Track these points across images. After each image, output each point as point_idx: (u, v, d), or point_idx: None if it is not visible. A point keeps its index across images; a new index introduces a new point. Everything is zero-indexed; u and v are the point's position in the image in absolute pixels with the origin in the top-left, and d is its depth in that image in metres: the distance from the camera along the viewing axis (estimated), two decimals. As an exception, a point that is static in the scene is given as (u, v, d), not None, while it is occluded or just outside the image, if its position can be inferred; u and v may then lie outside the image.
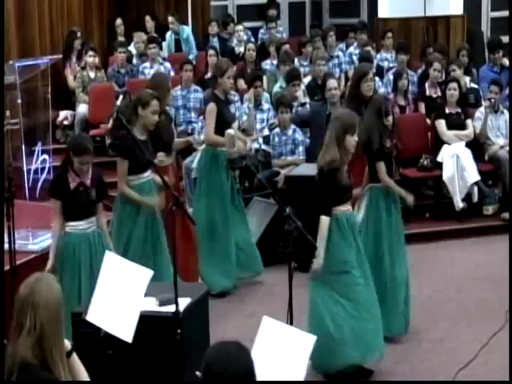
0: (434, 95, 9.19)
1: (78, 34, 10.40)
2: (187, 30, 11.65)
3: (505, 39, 10.49)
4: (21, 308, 3.07)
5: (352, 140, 5.42)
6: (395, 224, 6.05)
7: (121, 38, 11.13)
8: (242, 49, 11.00)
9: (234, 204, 7.09)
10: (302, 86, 9.26)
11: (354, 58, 10.63)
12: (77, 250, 5.46)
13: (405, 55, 9.98)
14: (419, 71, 10.06)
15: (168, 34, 11.57)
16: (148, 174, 6.10)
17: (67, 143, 5.75)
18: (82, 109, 9.95)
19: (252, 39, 11.70)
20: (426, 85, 9.34)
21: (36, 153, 8.24)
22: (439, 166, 8.52)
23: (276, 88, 9.48)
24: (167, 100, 6.76)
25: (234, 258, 7.06)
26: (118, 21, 11.41)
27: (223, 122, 6.95)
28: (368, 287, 5.47)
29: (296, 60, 10.35)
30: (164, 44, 11.41)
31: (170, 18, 11.53)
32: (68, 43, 10.39)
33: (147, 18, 11.52)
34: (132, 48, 10.98)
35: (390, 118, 6.04)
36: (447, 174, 8.43)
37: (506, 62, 9.79)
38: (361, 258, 5.49)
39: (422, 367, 5.73)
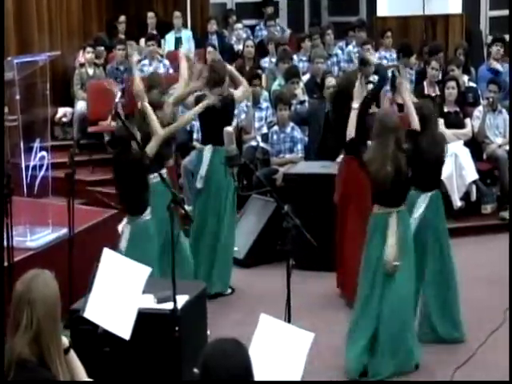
0: (433, 94, 9.19)
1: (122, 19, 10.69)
2: (188, 34, 11.67)
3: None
4: (17, 305, 3.07)
5: None
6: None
7: (121, 36, 11.14)
8: (240, 46, 11.03)
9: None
10: (301, 84, 9.28)
11: (353, 56, 10.66)
12: None
13: (408, 58, 9.98)
14: (415, 68, 10.11)
15: (170, 34, 11.56)
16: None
17: None
18: (81, 106, 9.96)
19: (251, 37, 11.72)
20: (425, 83, 9.36)
21: (34, 149, 8.23)
22: (438, 164, 8.54)
23: (275, 86, 9.51)
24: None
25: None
26: (122, 18, 11.42)
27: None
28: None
29: (295, 56, 10.38)
30: (163, 41, 11.42)
31: (177, 13, 11.56)
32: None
33: (150, 14, 11.53)
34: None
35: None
36: (445, 172, 8.39)
37: (497, 65, 9.76)
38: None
39: (420, 366, 5.71)
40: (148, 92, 6.72)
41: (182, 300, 4.82)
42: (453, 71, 9.14)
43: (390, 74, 9.49)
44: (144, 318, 4.33)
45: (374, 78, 9.68)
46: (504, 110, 8.94)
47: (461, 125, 8.69)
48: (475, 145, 8.76)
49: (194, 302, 5.05)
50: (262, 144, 8.62)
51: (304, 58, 10.52)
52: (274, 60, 10.37)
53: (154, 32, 11.21)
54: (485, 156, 8.84)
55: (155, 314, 4.75)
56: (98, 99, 9.80)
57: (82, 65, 10.20)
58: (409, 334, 5.59)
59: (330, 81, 8.30)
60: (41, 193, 7.57)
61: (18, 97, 7.63)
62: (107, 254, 4.39)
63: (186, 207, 8.00)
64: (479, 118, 8.74)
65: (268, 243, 7.53)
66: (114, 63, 10.45)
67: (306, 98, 9.20)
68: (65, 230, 6.28)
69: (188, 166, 8.65)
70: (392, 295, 5.51)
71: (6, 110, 7.40)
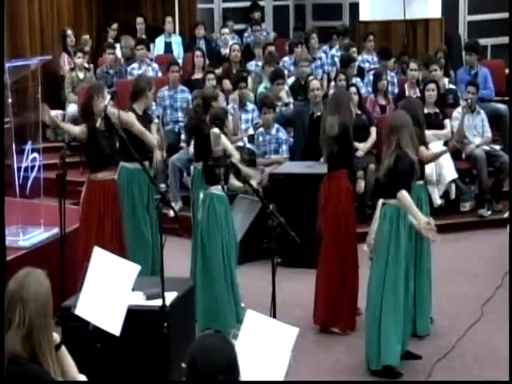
0: (413, 95, 9.35)
1: (69, 32, 10.65)
2: (178, 40, 11.83)
3: (481, 41, 10.67)
4: (10, 303, 3.10)
5: None
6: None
7: (110, 40, 11.28)
8: (227, 51, 11.16)
9: None
10: (286, 87, 9.44)
11: (336, 59, 10.81)
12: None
13: (388, 60, 10.17)
14: (395, 72, 10.30)
15: (160, 38, 11.70)
16: None
17: None
18: (72, 108, 10.07)
19: (238, 41, 11.86)
20: (406, 85, 9.52)
21: (26, 151, 8.34)
22: (418, 163, 8.71)
23: (261, 88, 9.65)
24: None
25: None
26: (114, 25, 11.53)
27: None
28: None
29: (286, 58, 10.58)
30: (152, 46, 11.57)
31: (169, 19, 11.67)
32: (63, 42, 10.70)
33: (139, 20, 11.64)
34: (118, 51, 11.12)
35: None
36: (426, 171, 8.60)
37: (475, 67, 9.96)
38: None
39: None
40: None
41: (170, 297, 4.93)
42: (435, 71, 9.26)
43: (371, 77, 9.69)
44: (134, 314, 4.41)
45: (357, 80, 9.90)
46: (482, 111, 9.07)
47: (440, 126, 8.81)
48: (454, 145, 8.93)
49: (182, 298, 5.16)
50: (248, 145, 8.79)
51: (290, 62, 10.70)
52: (260, 63, 10.53)
53: (143, 36, 11.37)
54: (464, 156, 8.95)
55: (144, 311, 4.85)
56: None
57: (72, 69, 10.35)
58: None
59: (315, 83, 8.47)
60: (33, 193, 7.69)
61: (10, 100, 7.77)
62: (97, 252, 4.48)
63: (173, 205, 8.21)
64: (458, 119, 8.80)
65: (255, 241, 7.55)
66: (104, 67, 10.59)
67: (291, 100, 9.35)
68: (56, 230, 6.33)
69: (176, 163, 8.81)
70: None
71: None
